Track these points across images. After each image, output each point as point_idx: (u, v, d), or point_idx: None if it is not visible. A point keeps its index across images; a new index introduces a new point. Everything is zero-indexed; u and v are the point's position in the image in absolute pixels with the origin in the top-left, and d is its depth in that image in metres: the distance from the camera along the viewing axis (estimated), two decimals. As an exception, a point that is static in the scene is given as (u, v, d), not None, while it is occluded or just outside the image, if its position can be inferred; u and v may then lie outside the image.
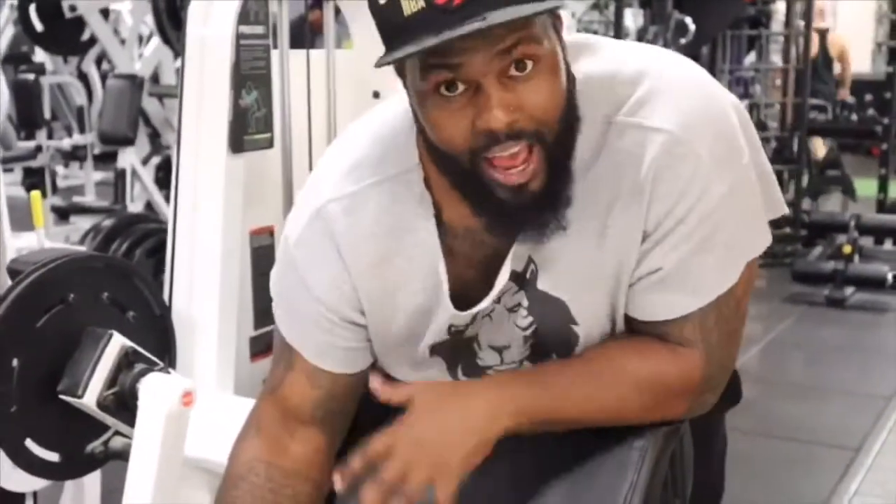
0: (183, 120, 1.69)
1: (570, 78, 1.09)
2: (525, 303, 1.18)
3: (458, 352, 1.24)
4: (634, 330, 1.19)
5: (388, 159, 1.17)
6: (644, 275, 1.14)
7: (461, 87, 1.01)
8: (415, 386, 1.19)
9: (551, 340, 1.20)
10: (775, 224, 4.83)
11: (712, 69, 6.27)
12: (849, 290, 5.25)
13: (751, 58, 7.33)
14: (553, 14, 1.06)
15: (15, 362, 1.46)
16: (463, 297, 1.18)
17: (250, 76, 1.68)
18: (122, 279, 1.61)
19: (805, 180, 6.53)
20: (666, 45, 5.81)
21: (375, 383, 1.19)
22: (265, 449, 1.27)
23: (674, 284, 1.13)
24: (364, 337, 1.24)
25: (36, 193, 2.30)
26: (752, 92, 6.81)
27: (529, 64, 1.01)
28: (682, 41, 5.64)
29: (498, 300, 1.18)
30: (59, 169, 7.89)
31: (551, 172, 1.06)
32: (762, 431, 3.72)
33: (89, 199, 6.37)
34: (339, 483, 1.16)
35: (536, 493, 1.22)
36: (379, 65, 1.02)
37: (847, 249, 5.36)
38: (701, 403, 1.22)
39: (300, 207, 1.22)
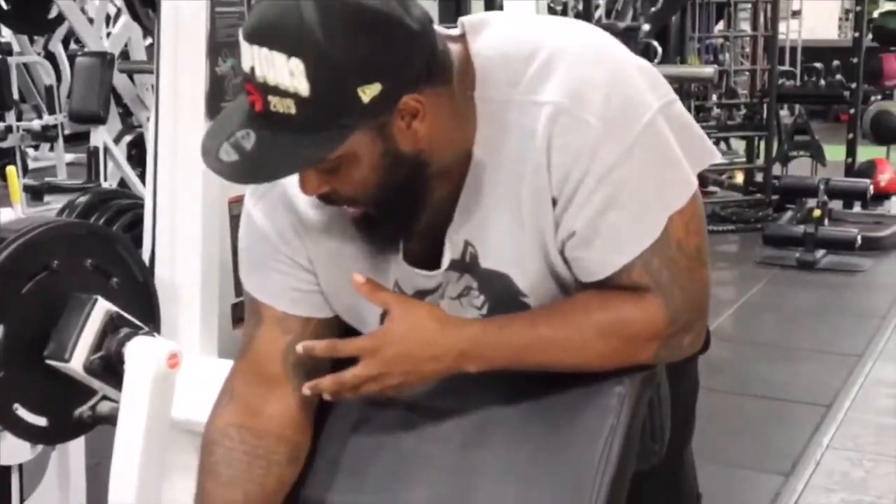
0: (160, 89, 1.70)
1: (399, 155, 1.12)
2: (474, 283, 1.24)
3: None
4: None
5: None
6: (565, 239, 1.19)
7: None
8: (396, 299, 1.23)
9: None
10: (746, 190, 4.93)
11: (682, 37, 6.33)
12: (819, 253, 5.34)
13: (720, 26, 7.38)
14: (378, 116, 1.09)
15: (1, 329, 1.48)
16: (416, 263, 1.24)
17: (226, 43, 1.69)
18: (106, 246, 1.62)
19: (775, 146, 6.62)
20: (636, 15, 5.85)
21: (359, 277, 1.21)
22: (238, 413, 1.31)
23: (594, 244, 1.18)
24: (318, 283, 1.29)
25: (11, 168, 2.31)
26: (721, 59, 6.86)
27: (326, 167, 1.11)
28: (652, 10, 5.67)
29: (442, 295, 1.25)
30: (30, 151, 7.84)
31: (383, 213, 1.17)
32: (736, 390, 3.80)
33: (62, 179, 6.34)
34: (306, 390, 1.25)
35: (516, 440, 1.26)
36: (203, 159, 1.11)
37: (817, 213, 5.45)
38: (675, 346, 1.25)
39: None
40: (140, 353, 1.48)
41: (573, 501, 1.21)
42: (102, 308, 1.50)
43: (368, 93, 1.05)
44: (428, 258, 1.24)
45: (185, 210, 1.69)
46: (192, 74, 1.67)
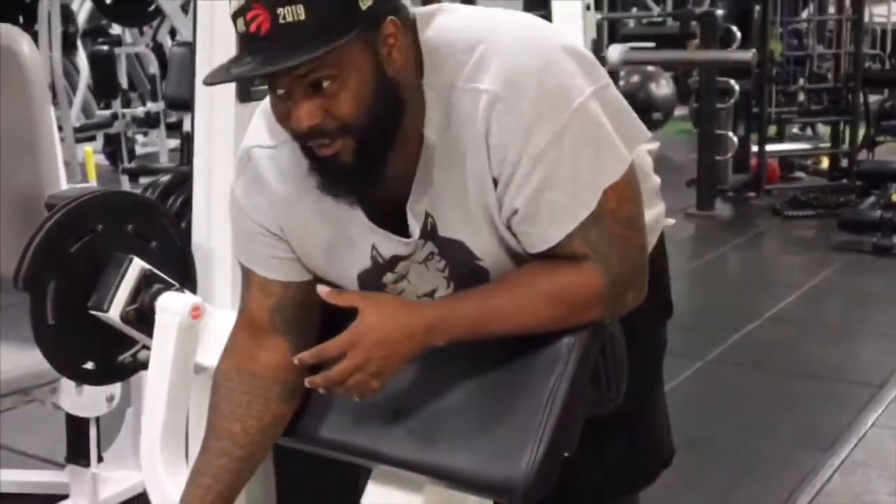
0: (197, 75, 1.91)
1: (386, 79, 1.26)
2: (436, 249, 1.38)
3: None
4: (540, 258, 1.36)
5: None
6: (509, 216, 1.32)
7: (281, 91, 1.25)
8: (361, 297, 1.37)
9: (467, 277, 1.39)
10: (831, 176, 5.01)
11: (764, 22, 6.30)
12: (896, 238, 5.30)
13: (808, 10, 7.29)
14: (371, 28, 1.23)
15: (52, 283, 1.71)
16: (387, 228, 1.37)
17: (255, 34, 1.88)
18: (146, 213, 1.85)
19: (862, 132, 6.55)
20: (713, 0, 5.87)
21: (323, 290, 1.36)
22: (238, 358, 1.50)
23: (536, 220, 1.31)
24: (293, 250, 1.45)
25: (88, 149, 2.58)
26: (805, 44, 6.81)
27: (327, 83, 1.23)
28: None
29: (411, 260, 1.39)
30: (139, 137, 8.26)
31: (362, 149, 1.27)
32: (788, 370, 3.86)
33: (163, 163, 6.71)
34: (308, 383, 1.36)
35: (479, 384, 1.41)
36: (207, 83, 1.28)
37: (895, 198, 5.40)
38: (619, 303, 1.38)
39: (239, 152, 1.47)
40: (168, 305, 1.70)
41: (521, 439, 1.34)
42: (137, 266, 1.72)
43: (366, 1, 1.21)
44: (392, 229, 1.38)
45: (217, 182, 1.88)
46: (225, 61, 1.87)
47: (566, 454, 1.39)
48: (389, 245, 1.39)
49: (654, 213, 1.57)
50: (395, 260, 1.41)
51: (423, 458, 1.42)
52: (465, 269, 1.39)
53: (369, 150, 1.28)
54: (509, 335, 1.37)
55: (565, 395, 1.37)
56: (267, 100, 1.46)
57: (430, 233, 1.37)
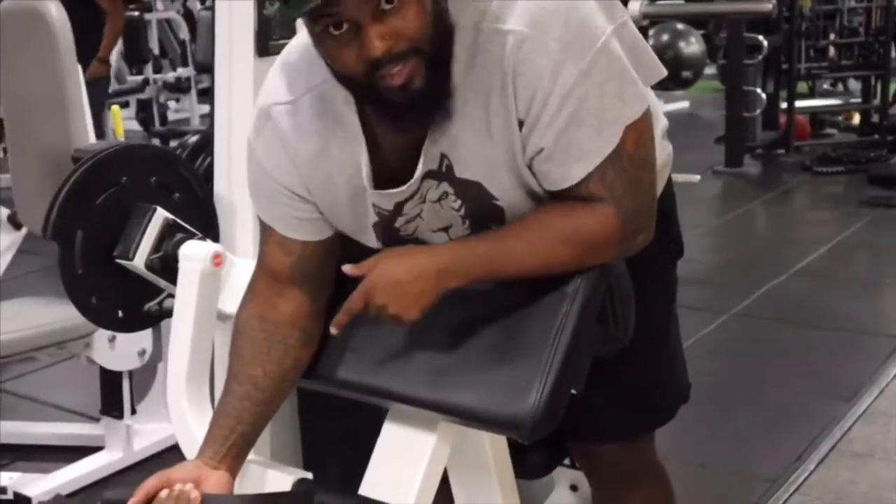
0: (217, 30, 1.95)
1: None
2: (451, 189, 1.41)
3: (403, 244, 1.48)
4: (556, 199, 1.40)
5: (316, 69, 1.38)
6: (533, 155, 1.35)
7: (345, 26, 1.25)
8: (373, 258, 1.41)
9: (483, 216, 1.42)
10: (863, 132, 5.02)
11: (793, -24, 6.23)
12: (926, 193, 5.27)
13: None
14: None
15: (80, 234, 1.77)
16: (390, 182, 1.41)
17: (272, -11, 1.93)
18: (169, 166, 1.90)
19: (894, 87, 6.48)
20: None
21: (346, 268, 1.42)
22: (259, 307, 1.54)
23: (560, 158, 1.34)
24: (318, 210, 1.48)
25: (116, 108, 2.64)
26: (836, -2, 6.74)
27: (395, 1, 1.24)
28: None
29: (423, 199, 1.42)
30: (171, 104, 8.36)
31: (430, 72, 1.29)
32: (813, 324, 3.87)
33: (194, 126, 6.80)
34: (334, 330, 1.45)
35: (490, 321, 1.45)
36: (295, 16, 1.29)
37: (924, 152, 5.37)
38: (630, 244, 1.41)
39: (256, 110, 1.49)
40: (190, 253, 1.75)
41: (528, 376, 1.38)
42: (161, 216, 1.78)
43: None
44: (405, 173, 1.40)
45: (238, 134, 1.93)
46: (243, 16, 1.92)
47: (573, 391, 1.43)
48: (389, 197, 1.42)
49: (663, 155, 1.60)
50: (401, 206, 1.44)
51: (435, 396, 1.46)
52: (480, 208, 1.42)
53: (439, 71, 1.29)
54: (524, 276, 1.40)
55: (571, 333, 1.40)
56: (281, 57, 1.50)
57: (444, 174, 1.40)
